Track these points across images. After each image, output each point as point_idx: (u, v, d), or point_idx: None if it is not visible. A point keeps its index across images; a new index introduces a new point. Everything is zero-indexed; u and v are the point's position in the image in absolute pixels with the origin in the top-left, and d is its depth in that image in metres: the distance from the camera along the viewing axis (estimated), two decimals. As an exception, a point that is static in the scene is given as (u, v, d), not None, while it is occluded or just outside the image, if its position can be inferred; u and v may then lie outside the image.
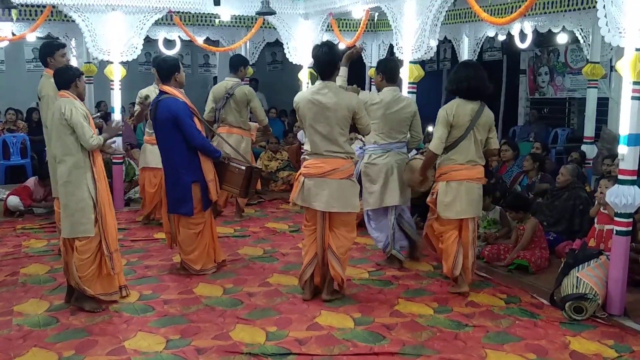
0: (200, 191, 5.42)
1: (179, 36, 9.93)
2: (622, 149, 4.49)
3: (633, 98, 4.40)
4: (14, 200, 7.65)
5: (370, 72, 10.99)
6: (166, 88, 5.42)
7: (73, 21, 7.71)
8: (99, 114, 7.54)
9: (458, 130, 4.99)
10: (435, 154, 5.07)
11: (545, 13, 7.70)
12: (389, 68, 5.76)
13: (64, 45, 5.72)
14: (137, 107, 7.32)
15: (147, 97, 7.04)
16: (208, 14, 8.92)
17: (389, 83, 5.72)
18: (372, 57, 10.80)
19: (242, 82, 7.69)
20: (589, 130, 8.27)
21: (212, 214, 5.70)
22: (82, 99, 4.82)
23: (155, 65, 5.94)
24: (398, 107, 5.60)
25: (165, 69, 5.49)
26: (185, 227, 5.51)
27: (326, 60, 4.74)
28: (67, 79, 4.76)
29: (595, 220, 5.58)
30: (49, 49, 5.58)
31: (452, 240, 5.10)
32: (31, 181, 7.99)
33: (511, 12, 6.66)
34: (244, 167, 5.59)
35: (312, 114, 4.69)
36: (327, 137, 4.69)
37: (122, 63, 7.82)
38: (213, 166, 5.52)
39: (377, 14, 8.80)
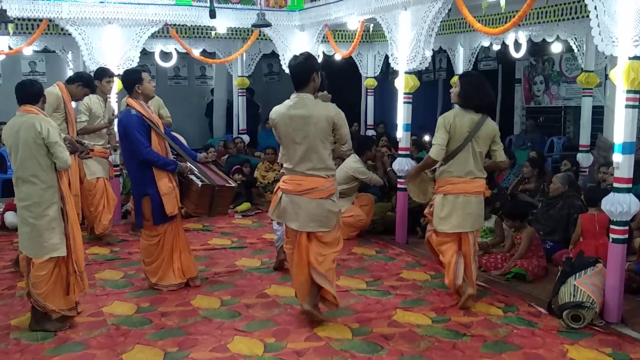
0: (151, 205, 5.24)
1: (175, 48, 9.97)
2: (617, 157, 4.51)
3: (627, 106, 4.43)
4: (12, 218, 7.52)
5: (366, 82, 11.04)
6: (128, 100, 5.36)
7: (69, 34, 7.75)
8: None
9: (455, 142, 4.92)
10: (435, 160, 5.00)
11: (539, 23, 7.74)
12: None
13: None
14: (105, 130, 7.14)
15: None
16: (204, 26, 8.99)
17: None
18: (368, 67, 10.86)
19: None
20: (585, 138, 8.30)
21: (178, 227, 5.47)
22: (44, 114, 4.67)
23: (120, 78, 5.91)
24: None
25: (126, 82, 5.39)
26: (143, 238, 5.54)
27: (298, 70, 4.50)
28: (34, 93, 4.59)
29: None
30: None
31: (451, 254, 5.03)
32: None
33: (505, 22, 6.70)
34: (200, 183, 5.30)
35: (291, 129, 4.46)
36: (307, 154, 4.45)
37: (119, 76, 7.83)
38: (173, 179, 5.30)
39: (372, 25, 8.84)
